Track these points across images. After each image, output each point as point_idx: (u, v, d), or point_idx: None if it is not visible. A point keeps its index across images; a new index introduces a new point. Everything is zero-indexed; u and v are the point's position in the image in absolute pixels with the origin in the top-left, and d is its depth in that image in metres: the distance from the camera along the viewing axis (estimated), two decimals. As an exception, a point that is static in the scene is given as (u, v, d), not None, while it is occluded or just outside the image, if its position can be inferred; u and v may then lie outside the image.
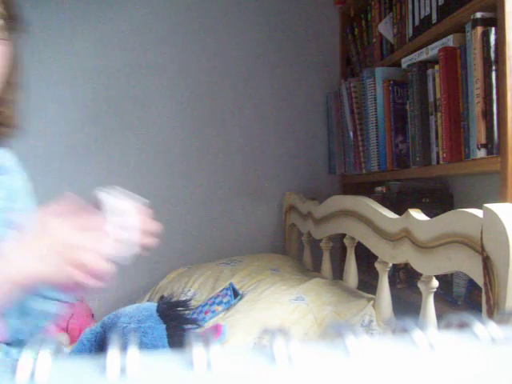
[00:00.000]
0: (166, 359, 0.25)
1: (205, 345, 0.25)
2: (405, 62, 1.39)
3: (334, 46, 2.01)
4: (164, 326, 0.99)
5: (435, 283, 0.96)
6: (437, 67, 1.21)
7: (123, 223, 0.60)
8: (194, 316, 1.19)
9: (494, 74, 1.00)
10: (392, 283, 1.27)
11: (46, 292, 0.78)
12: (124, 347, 0.24)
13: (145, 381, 0.23)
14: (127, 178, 1.85)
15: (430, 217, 0.94)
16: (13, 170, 0.83)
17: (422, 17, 1.32)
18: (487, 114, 1.02)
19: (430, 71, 1.25)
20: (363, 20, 1.78)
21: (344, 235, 1.37)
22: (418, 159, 1.30)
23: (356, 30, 1.83)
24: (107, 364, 0.24)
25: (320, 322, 1.11)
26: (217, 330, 1.03)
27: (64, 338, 1.53)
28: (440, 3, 1.23)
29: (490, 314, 0.74)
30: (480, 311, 0.78)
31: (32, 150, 1.79)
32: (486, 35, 1.02)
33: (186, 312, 1.05)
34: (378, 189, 1.54)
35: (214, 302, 1.28)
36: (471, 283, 1.18)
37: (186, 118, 1.91)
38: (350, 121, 1.69)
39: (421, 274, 0.97)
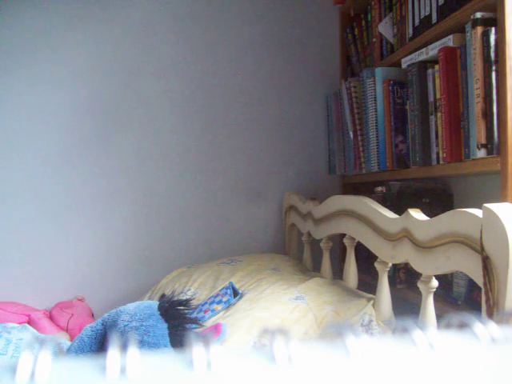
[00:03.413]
0: (166, 359, 0.25)
1: (205, 345, 0.25)
2: (405, 62, 1.39)
3: (333, 46, 2.01)
4: (166, 325, 0.99)
5: (435, 283, 0.96)
6: (437, 67, 1.21)
7: None
8: (194, 315, 1.19)
9: (493, 74, 1.00)
10: (392, 283, 1.28)
11: None
12: (124, 347, 0.24)
13: (145, 381, 0.23)
14: (127, 179, 1.85)
15: (430, 217, 0.94)
16: None
17: (421, 17, 1.32)
18: (487, 114, 1.02)
19: (430, 71, 1.25)
20: (363, 20, 1.78)
21: (344, 235, 1.37)
22: (418, 159, 1.30)
23: (356, 29, 1.83)
24: (107, 364, 0.24)
25: (320, 322, 1.11)
26: (216, 329, 1.03)
27: (64, 337, 1.53)
28: (440, 3, 1.23)
29: (490, 314, 0.74)
30: (480, 311, 0.78)
31: (30, 151, 1.79)
32: (486, 35, 1.02)
33: (187, 311, 1.06)
34: (378, 189, 1.54)
35: (213, 301, 1.28)
36: (471, 283, 1.18)
37: (185, 118, 1.91)
38: (350, 121, 1.69)
39: (421, 274, 0.97)
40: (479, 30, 1.03)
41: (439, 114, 1.20)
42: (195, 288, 1.44)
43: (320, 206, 1.51)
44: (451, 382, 0.24)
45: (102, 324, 1.04)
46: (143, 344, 0.95)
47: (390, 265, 1.13)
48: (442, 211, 0.90)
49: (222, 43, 1.93)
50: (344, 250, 1.51)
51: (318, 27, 2.00)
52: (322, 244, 1.53)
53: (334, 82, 1.98)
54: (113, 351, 0.24)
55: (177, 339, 0.99)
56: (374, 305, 1.14)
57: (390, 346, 0.27)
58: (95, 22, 1.84)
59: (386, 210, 1.13)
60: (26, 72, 1.79)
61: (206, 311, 1.25)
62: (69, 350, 1.03)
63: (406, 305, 1.31)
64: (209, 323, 1.18)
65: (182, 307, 1.06)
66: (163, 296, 1.16)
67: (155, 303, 1.06)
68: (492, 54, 1.01)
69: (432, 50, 1.24)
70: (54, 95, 1.81)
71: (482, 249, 0.75)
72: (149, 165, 1.88)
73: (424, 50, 1.28)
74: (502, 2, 0.98)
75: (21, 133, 1.78)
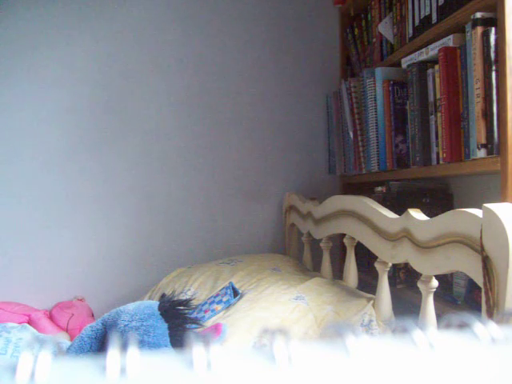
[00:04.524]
0: (166, 359, 0.25)
1: (205, 345, 0.25)
2: (405, 62, 1.39)
3: (333, 46, 2.01)
4: (166, 325, 0.99)
5: (435, 283, 0.96)
6: (437, 67, 1.21)
7: None
8: (194, 315, 1.19)
9: (493, 74, 1.00)
10: (392, 283, 1.28)
11: None
12: (124, 347, 0.24)
13: (145, 381, 0.23)
14: (126, 178, 1.85)
15: (430, 217, 0.94)
16: None
17: (422, 17, 1.32)
18: (487, 114, 1.02)
19: (429, 71, 1.25)
20: (363, 20, 1.78)
21: (344, 235, 1.37)
22: (418, 159, 1.30)
23: (356, 30, 1.83)
24: (107, 364, 0.24)
25: (320, 322, 1.11)
26: (216, 329, 1.03)
27: (64, 337, 1.53)
28: (440, 3, 1.23)
29: (490, 314, 0.74)
30: (480, 311, 0.78)
31: (30, 151, 1.79)
32: (486, 35, 1.02)
33: (187, 311, 1.06)
34: (378, 189, 1.54)
35: (213, 301, 1.28)
36: (471, 283, 1.18)
37: (185, 118, 1.91)
38: (350, 121, 1.69)
39: (421, 274, 0.97)
40: (479, 30, 1.03)
41: (439, 114, 1.20)
42: (195, 288, 1.44)
43: (320, 206, 1.51)
44: (451, 382, 0.24)
45: (102, 324, 1.04)
46: (143, 344, 0.95)
47: (390, 265, 1.13)
48: (442, 211, 0.90)
49: (222, 43, 1.93)
50: (344, 250, 1.51)
51: (318, 27, 2.00)
52: (321, 244, 1.53)
53: (334, 82, 1.98)
54: (113, 351, 0.24)
55: (177, 339, 0.99)
56: (373, 305, 1.14)
57: (390, 346, 0.27)
58: (96, 21, 1.84)
59: (386, 210, 1.13)
60: (27, 72, 1.79)
61: (206, 311, 1.25)
62: (69, 349, 1.03)
63: (406, 305, 1.31)
64: (209, 323, 1.18)
65: (182, 307, 1.06)
66: (163, 296, 1.16)
67: (155, 303, 1.06)
68: (492, 54, 1.01)
69: (432, 50, 1.24)
70: (55, 95, 1.81)
71: (482, 249, 0.75)
72: (149, 165, 1.88)
73: (424, 50, 1.28)
74: (501, 2, 0.98)
75: (21, 133, 1.78)
